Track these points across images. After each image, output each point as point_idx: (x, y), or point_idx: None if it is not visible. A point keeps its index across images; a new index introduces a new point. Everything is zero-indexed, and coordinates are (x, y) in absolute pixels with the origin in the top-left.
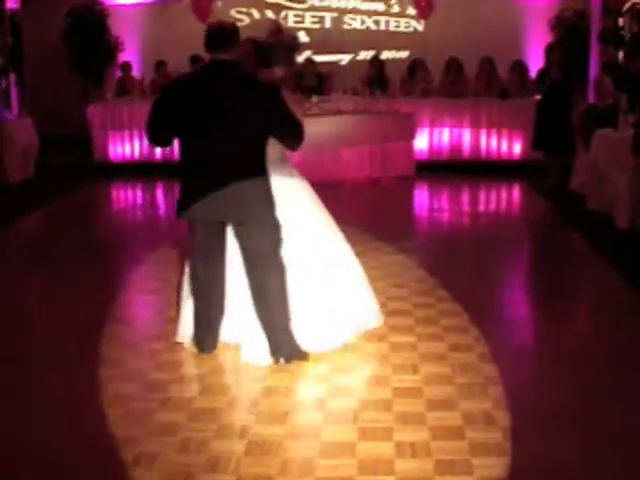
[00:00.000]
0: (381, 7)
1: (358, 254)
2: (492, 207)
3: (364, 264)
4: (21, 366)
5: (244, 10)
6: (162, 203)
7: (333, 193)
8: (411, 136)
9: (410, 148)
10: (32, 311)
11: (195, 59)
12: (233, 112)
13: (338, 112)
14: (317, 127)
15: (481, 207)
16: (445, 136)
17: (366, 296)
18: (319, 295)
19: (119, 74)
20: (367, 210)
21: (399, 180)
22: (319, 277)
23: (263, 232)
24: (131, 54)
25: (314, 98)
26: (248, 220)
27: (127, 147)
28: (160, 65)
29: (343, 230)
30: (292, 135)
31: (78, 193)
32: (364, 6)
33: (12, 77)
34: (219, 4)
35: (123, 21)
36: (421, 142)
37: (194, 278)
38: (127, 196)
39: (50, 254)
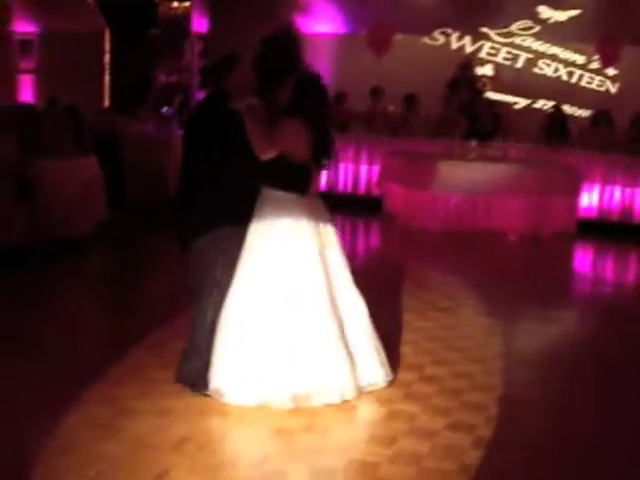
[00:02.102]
0: (581, 59)
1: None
2: None
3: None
4: None
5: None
6: None
7: (483, 243)
8: (575, 191)
9: (573, 204)
10: None
11: (376, 91)
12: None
13: (499, 158)
14: (472, 172)
15: None
16: (617, 195)
17: (371, 352)
18: (316, 343)
19: None
20: (517, 266)
21: (558, 237)
22: (319, 324)
23: None
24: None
25: (472, 142)
26: None
27: None
28: (340, 97)
29: (485, 287)
30: None
31: None
32: (564, 55)
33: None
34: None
35: (314, 51)
36: (589, 199)
37: None
38: None
39: None
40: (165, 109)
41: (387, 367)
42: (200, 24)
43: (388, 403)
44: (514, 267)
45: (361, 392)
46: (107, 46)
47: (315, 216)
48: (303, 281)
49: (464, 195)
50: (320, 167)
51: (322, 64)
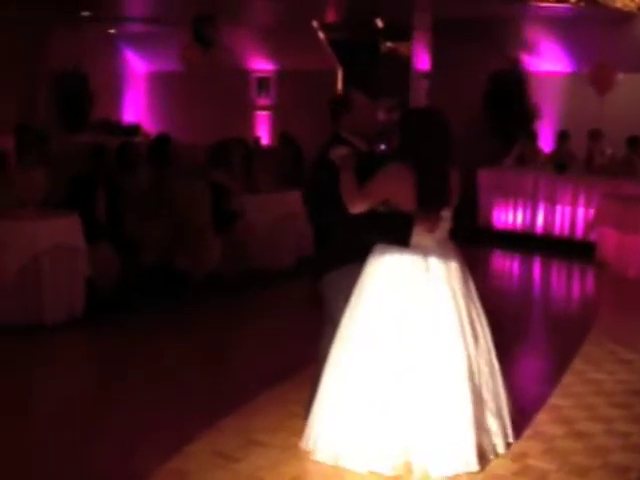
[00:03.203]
0: None
1: None
2: None
3: None
4: None
5: None
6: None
7: None
8: None
9: None
10: None
11: (594, 133)
12: None
13: None
14: None
15: None
16: None
17: (460, 436)
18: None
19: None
20: None
21: None
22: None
23: None
24: (547, 123)
25: None
26: None
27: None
28: (563, 137)
29: None
30: None
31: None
32: None
33: None
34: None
35: (539, 89)
36: None
37: None
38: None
39: None
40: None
41: (509, 430)
42: (423, 61)
43: (522, 458)
44: None
45: (486, 460)
46: (339, 84)
47: (448, 259)
48: (429, 330)
49: None
50: (436, 213)
51: (546, 102)
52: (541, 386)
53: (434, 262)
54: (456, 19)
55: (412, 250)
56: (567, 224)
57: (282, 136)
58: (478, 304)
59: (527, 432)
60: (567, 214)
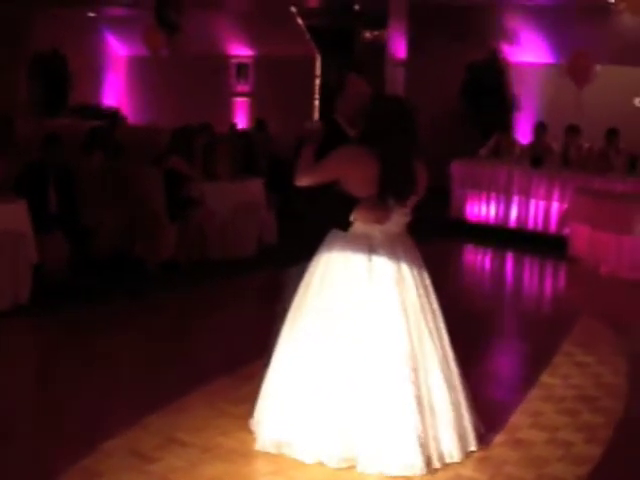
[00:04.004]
0: None
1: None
2: None
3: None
4: None
5: None
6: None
7: None
8: None
9: None
10: None
11: (571, 129)
12: None
13: None
14: None
15: None
16: None
17: (450, 422)
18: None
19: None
20: None
21: None
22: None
23: None
24: (526, 114)
25: None
26: None
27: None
28: (541, 129)
29: None
30: None
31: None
32: None
33: None
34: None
35: (523, 79)
36: None
37: None
38: (477, 259)
39: None
40: None
41: (470, 437)
42: (399, 49)
43: (453, 467)
44: None
45: (431, 468)
46: (318, 70)
47: (397, 257)
48: (373, 329)
49: None
50: (391, 203)
51: (525, 93)
52: (492, 389)
53: (379, 261)
54: (434, 6)
55: (358, 244)
56: (541, 218)
57: (257, 122)
58: (435, 305)
59: None
60: (541, 208)
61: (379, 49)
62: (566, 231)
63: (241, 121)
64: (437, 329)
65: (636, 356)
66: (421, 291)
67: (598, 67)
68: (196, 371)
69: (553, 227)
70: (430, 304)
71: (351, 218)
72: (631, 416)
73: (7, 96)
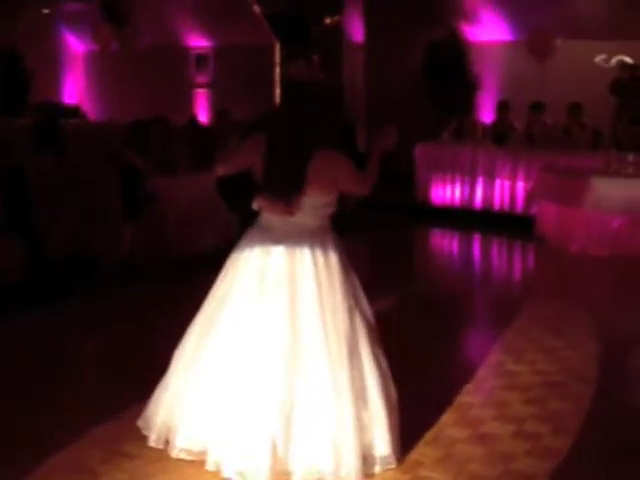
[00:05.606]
0: None
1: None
2: None
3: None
4: None
5: None
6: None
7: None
8: None
9: None
10: None
11: (536, 106)
12: None
13: None
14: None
15: None
16: None
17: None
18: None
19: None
20: None
21: None
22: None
23: None
24: (488, 93)
25: (630, 156)
26: None
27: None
28: (503, 107)
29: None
30: None
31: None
32: None
33: None
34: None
35: (484, 58)
36: None
37: None
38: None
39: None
40: None
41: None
42: (356, 32)
43: (414, 468)
44: None
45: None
46: (277, 59)
47: (301, 253)
48: (253, 329)
49: (620, 214)
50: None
51: (487, 72)
52: (454, 379)
53: (276, 257)
54: None
55: (262, 236)
56: (507, 198)
57: (219, 114)
58: (347, 304)
59: (427, 435)
60: (506, 188)
61: (339, 34)
62: (533, 210)
63: (202, 112)
64: (337, 330)
65: (607, 337)
66: (325, 289)
67: (558, 42)
68: (143, 378)
69: (520, 207)
70: (337, 303)
71: (254, 207)
72: (600, 402)
73: None
